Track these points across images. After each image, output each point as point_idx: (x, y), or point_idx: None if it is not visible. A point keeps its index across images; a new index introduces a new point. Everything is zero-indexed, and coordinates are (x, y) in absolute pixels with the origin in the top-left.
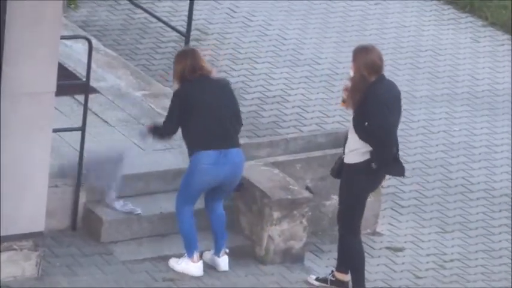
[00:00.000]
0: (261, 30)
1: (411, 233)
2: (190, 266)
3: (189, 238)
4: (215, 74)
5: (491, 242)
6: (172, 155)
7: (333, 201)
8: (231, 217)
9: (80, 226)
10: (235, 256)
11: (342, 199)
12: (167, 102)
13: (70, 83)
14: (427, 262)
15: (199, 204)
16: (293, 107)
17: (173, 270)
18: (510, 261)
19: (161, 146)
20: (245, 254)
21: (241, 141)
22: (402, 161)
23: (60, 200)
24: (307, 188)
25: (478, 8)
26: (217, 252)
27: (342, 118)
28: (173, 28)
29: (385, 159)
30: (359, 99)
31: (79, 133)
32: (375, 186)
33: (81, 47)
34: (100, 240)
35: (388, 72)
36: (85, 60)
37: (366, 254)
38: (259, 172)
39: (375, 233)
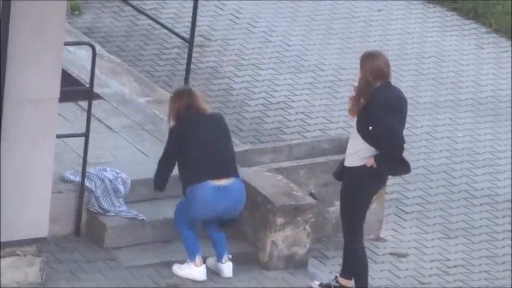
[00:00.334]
0: (265, 36)
1: (415, 238)
2: (193, 271)
3: (189, 244)
4: (209, 109)
5: (495, 247)
6: None
7: (337, 207)
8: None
9: (84, 232)
10: (239, 262)
11: (342, 202)
12: None
13: (74, 89)
14: (431, 268)
15: None
16: (297, 113)
17: (176, 276)
18: None
19: None
20: (248, 260)
21: (245, 147)
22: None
23: (63, 206)
24: (311, 194)
25: (481, 15)
26: (219, 258)
27: (346, 124)
28: (177, 34)
29: (391, 161)
30: (363, 104)
31: (82, 139)
32: (375, 190)
33: (85, 53)
34: (103, 246)
35: (391, 79)
36: (89, 66)
37: (369, 260)
38: (262, 178)
39: (378, 239)
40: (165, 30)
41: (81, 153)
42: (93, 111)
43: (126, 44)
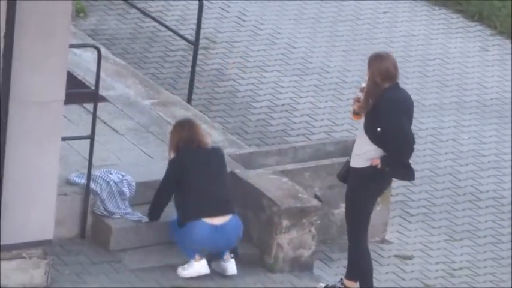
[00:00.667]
0: (270, 38)
1: (420, 241)
2: (195, 266)
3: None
4: (210, 142)
5: (500, 250)
6: None
7: (342, 210)
8: None
9: (89, 234)
10: (244, 264)
11: (347, 204)
12: (176, 111)
13: (79, 92)
14: (436, 270)
15: None
16: (302, 116)
17: (182, 279)
18: None
19: None
20: (254, 262)
21: (250, 149)
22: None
23: (69, 208)
24: (316, 197)
25: (486, 17)
26: (221, 257)
27: (351, 126)
28: (182, 37)
29: (399, 164)
30: (371, 105)
31: (88, 141)
32: (380, 192)
33: (90, 55)
34: (109, 248)
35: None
36: (94, 68)
37: (374, 262)
38: (267, 180)
39: (383, 241)
40: (170, 33)
41: (87, 156)
42: (98, 113)
43: (131, 47)
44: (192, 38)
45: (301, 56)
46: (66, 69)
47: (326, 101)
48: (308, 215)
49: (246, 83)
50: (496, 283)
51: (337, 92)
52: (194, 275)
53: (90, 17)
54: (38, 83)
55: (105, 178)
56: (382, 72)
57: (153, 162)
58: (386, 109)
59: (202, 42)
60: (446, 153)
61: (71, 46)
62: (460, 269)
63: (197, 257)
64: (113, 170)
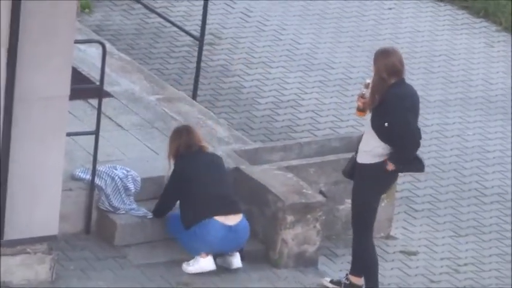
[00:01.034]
0: (275, 34)
1: (425, 237)
2: (201, 263)
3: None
4: (209, 147)
5: (506, 246)
6: None
7: (347, 206)
8: None
9: (94, 230)
10: (249, 260)
11: (354, 200)
12: (181, 107)
13: (84, 87)
14: (441, 266)
15: None
16: (307, 111)
17: (187, 274)
18: None
19: None
20: (259, 258)
21: (255, 145)
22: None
23: (73, 204)
24: (321, 192)
25: (492, 13)
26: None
27: (356, 122)
28: (187, 32)
29: (406, 160)
30: (378, 101)
31: (93, 137)
32: (386, 188)
33: (95, 51)
34: (114, 244)
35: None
36: (99, 64)
37: (379, 258)
38: (272, 176)
39: (388, 237)
40: (175, 28)
41: (91, 151)
42: (103, 109)
43: (136, 42)
44: (197, 33)
45: (306, 52)
46: (71, 65)
47: (331, 97)
48: (313, 211)
49: (251, 79)
50: (501, 279)
51: (342, 88)
52: (200, 271)
53: (95, 12)
54: (42, 79)
55: (110, 173)
56: (388, 67)
57: (158, 158)
58: (393, 105)
59: (208, 38)
60: (451, 149)
61: (76, 42)
62: (465, 264)
63: (203, 253)
64: (118, 166)
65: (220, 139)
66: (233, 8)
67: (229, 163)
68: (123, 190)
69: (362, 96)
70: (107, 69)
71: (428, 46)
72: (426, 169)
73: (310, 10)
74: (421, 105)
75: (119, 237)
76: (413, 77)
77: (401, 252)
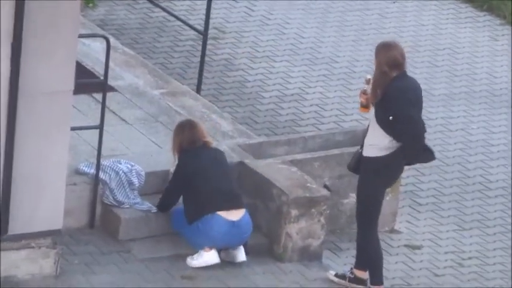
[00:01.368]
0: (279, 28)
1: (429, 230)
2: (205, 256)
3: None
4: (213, 142)
5: (510, 239)
6: None
7: (351, 200)
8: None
9: (98, 224)
10: (253, 254)
11: (359, 194)
12: (185, 101)
13: (88, 82)
14: (446, 260)
15: None
16: (311, 105)
17: (191, 268)
18: None
19: None
20: (263, 252)
21: (259, 139)
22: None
23: (78, 198)
24: (325, 186)
25: (496, 7)
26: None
27: (360, 116)
28: (191, 27)
29: (416, 152)
30: (380, 95)
31: (97, 131)
32: (392, 181)
33: (99, 45)
34: (118, 238)
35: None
36: (103, 58)
37: (384, 252)
38: (277, 170)
39: (393, 231)
40: (179, 23)
41: (96, 146)
42: (107, 103)
43: (140, 37)
44: (201, 28)
45: (310, 46)
46: (75, 60)
47: (335, 91)
48: (317, 205)
49: (255, 73)
50: (506, 273)
51: (347, 81)
52: (204, 264)
53: (99, 7)
54: (47, 73)
55: (115, 168)
56: (390, 61)
57: (162, 152)
58: (395, 98)
59: (211, 32)
60: (455, 143)
61: (80, 36)
62: (469, 258)
63: (207, 247)
64: (122, 160)
65: (224, 133)
66: (237, 2)
67: (233, 157)
68: (127, 184)
69: (364, 92)
70: (111, 64)
71: (433, 40)
72: (430, 163)
73: (314, 4)
74: (425, 99)
75: (123, 231)
76: (417, 71)
77: (405, 246)
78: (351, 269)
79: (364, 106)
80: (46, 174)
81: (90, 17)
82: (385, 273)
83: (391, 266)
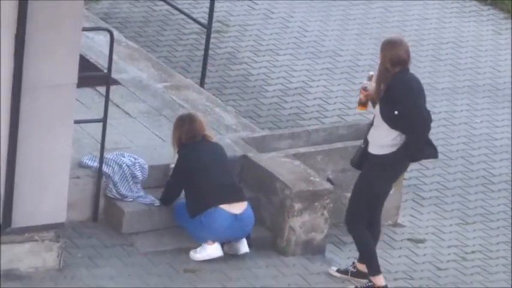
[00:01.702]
0: (283, 22)
1: (432, 224)
2: (208, 249)
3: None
4: (213, 136)
5: None
6: None
7: None
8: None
9: (101, 217)
10: (257, 247)
11: (360, 187)
12: (188, 94)
13: (91, 75)
14: (449, 254)
15: None
16: (314, 99)
17: (194, 261)
18: None
19: None
20: (266, 246)
21: (263, 132)
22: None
23: (81, 191)
24: (329, 180)
25: (499, 1)
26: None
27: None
28: (195, 20)
29: (419, 145)
30: (384, 90)
31: (100, 125)
32: (396, 177)
33: (102, 38)
34: (121, 232)
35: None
36: (106, 52)
37: (387, 246)
38: (280, 164)
39: (396, 225)
40: (182, 16)
41: (99, 139)
42: (110, 96)
43: (143, 30)
44: (204, 21)
45: (314, 39)
46: (78, 53)
47: (339, 85)
48: (320, 199)
49: (259, 66)
50: (509, 266)
51: (350, 75)
52: (207, 258)
53: (102, 0)
54: (50, 67)
55: (118, 161)
56: (394, 58)
57: (166, 146)
58: (400, 90)
59: (215, 25)
60: (458, 137)
61: (84, 29)
62: (473, 252)
63: (210, 240)
64: (125, 153)
65: (227, 126)
66: None
67: (236, 150)
68: (130, 178)
69: (364, 88)
70: (114, 57)
71: (436, 34)
72: None
73: None
74: (429, 93)
75: (127, 224)
76: (421, 65)
77: (408, 240)
78: (353, 263)
79: (363, 104)
80: (49, 167)
81: (94, 10)
82: (388, 266)
83: (395, 259)
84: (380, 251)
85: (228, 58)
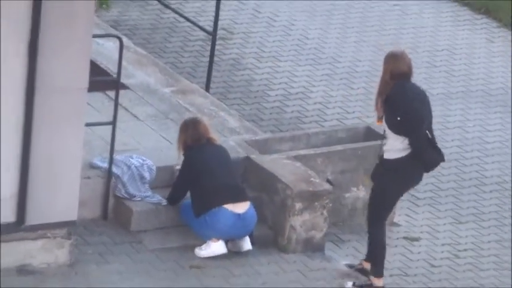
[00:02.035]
0: (285, 29)
1: (427, 223)
2: (212, 247)
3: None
4: (218, 139)
5: (504, 232)
6: None
7: (353, 194)
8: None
9: (111, 216)
10: (259, 245)
11: (373, 190)
12: (194, 98)
13: (102, 80)
14: (442, 251)
15: None
16: (315, 103)
17: (199, 258)
18: None
19: None
20: (268, 243)
21: (265, 135)
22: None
23: (92, 191)
24: (328, 181)
25: (493, 10)
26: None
27: (362, 114)
28: (200, 28)
29: (421, 144)
30: (384, 100)
31: (110, 127)
32: (408, 184)
33: (112, 45)
34: (130, 229)
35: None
36: (116, 57)
37: None
38: (282, 165)
39: (392, 224)
40: (189, 24)
41: (109, 141)
42: (120, 100)
43: (151, 37)
44: (210, 28)
45: (314, 46)
46: (89, 58)
47: (338, 90)
48: (320, 199)
49: (262, 72)
50: (499, 264)
51: (349, 81)
52: (211, 255)
53: (112, 8)
54: (62, 72)
55: (127, 162)
56: (395, 71)
57: (172, 148)
58: (397, 96)
59: (220, 33)
60: (452, 140)
61: (94, 36)
62: (465, 250)
63: (214, 238)
64: (134, 155)
65: (231, 129)
66: (244, 4)
67: (240, 152)
68: (138, 178)
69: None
70: (123, 63)
71: (431, 41)
72: None
73: (318, 6)
74: None
75: (135, 223)
76: (416, 71)
77: (404, 238)
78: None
79: (380, 118)
80: (61, 168)
81: (104, 18)
82: (384, 264)
83: (390, 257)
84: None
85: (232, 64)
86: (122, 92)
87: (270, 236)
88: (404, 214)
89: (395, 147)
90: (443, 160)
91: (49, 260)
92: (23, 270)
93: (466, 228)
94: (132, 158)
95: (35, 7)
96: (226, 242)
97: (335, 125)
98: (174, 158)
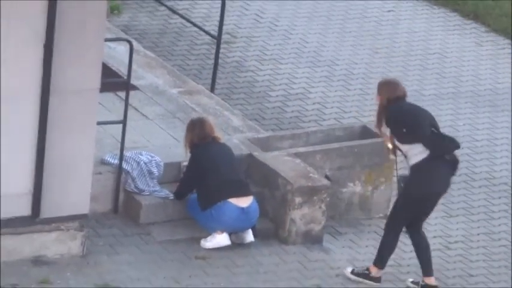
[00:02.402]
0: (285, 34)
1: None
2: (217, 238)
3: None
4: (222, 138)
5: (492, 225)
6: None
7: (349, 189)
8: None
9: (121, 209)
10: (261, 237)
11: (399, 195)
12: (200, 99)
13: (113, 81)
14: (434, 244)
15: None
16: (313, 103)
17: (205, 249)
18: (509, 243)
19: None
20: (269, 236)
21: (267, 134)
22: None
23: (103, 186)
24: (326, 177)
25: (481, 15)
26: None
27: (358, 114)
28: (206, 32)
29: (434, 140)
30: (386, 122)
31: (120, 126)
32: (433, 183)
33: (123, 48)
34: (139, 222)
35: (399, 73)
36: (126, 60)
37: (378, 236)
38: (282, 162)
39: (386, 217)
40: (195, 28)
41: (119, 139)
42: (130, 100)
43: (160, 41)
44: (215, 33)
45: (313, 49)
46: (101, 61)
47: (336, 91)
48: (319, 193)
49: (264, 74)
50: (488, 255)
51: (346, 82)
52: (216, 246)
53: (123, 14)
54: (76, 73)
55: (136, 159)
56: (391, 98)
57: (179, 145)
58: (394, 111)
59: (225, 37)
60: None
61: (106, 40)
62: (456, 242)
63: (219, 230)
64: (143, 152)
65: (235, 128)
66: (247, 10)
67: (243, 150)
68: (147, 174)
69: (389, 139)
70: (133, 65)
71: (424, 45)
72: None
73: (317, 11)
74: (416, 99)
75: (144, 216)
76: (409, 73)
77: None
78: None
79: (393, 145)
80: (74, 164)
81: (115, 23)
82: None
83: None
84: (371, 241)
85: (236, 66)
86: (132, 92)
87: (271, 228)
88: None
89: (414, 152)
90: (458, 146)
91: (62, 251)
92: (38, 260)
93: (456, 222)
94: (141, 155)
95: (50, 13)
96: (230, 235)
97: (333, 124)
98: (181, 155)
